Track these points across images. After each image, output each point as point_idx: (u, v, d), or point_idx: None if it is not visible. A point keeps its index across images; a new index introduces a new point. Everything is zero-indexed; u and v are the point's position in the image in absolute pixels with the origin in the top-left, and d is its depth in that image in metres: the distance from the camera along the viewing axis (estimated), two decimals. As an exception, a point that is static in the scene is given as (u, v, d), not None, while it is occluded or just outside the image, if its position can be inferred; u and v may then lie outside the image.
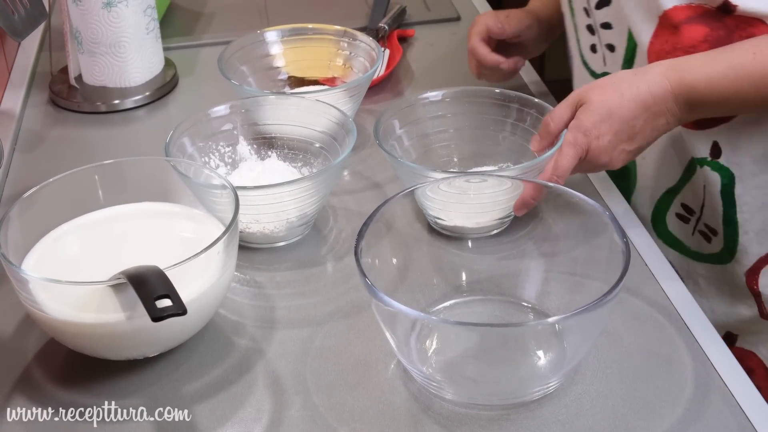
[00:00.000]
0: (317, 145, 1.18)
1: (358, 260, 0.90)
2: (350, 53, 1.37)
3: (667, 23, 1.08)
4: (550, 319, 0.93)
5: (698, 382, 0.92)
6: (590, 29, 1.21)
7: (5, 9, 1.20)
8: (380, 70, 1.45)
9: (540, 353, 0.92)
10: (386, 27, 1.57)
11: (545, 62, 2.77)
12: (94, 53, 1.42)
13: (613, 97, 1.02)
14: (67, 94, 1.46)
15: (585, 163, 1.04)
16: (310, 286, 1.08)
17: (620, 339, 0.97)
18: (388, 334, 0.91)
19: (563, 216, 0.99)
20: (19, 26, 1.23)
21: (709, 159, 1.12)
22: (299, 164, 1.19)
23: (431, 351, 0.94)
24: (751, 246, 1.14)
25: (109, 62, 1.43)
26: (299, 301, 1.05)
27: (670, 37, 1.08)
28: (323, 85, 1.38)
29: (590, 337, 0.90)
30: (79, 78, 1.46)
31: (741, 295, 1.17)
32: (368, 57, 1.34)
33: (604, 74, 1.20)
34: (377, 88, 1.44)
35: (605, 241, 0.93)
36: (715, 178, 1.13)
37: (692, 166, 1.16)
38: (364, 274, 0.88)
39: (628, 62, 1.16)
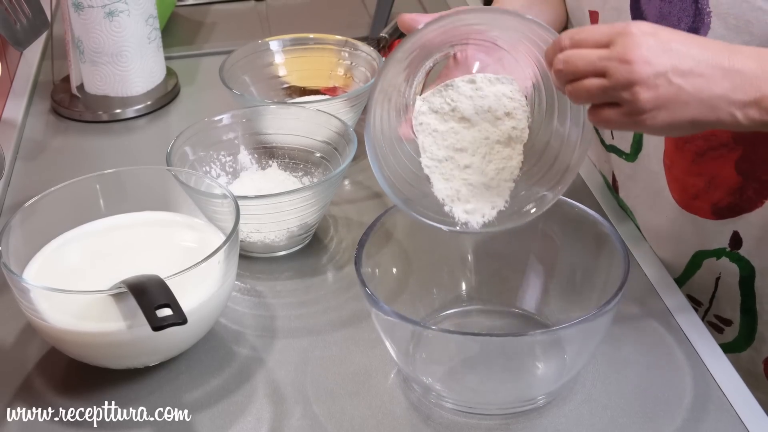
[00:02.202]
0: (318, 155, 1.18)
1: (358, 270, 0.90)
2: (351, 63, 1.38)
3: None
4: (550, 329, 0.93)
5: (697, 392, 0.92)
6: None
7: (7, 18, 1.21)
8: (381, 80, 1.45)
9: (539, 363, 0.92)
10: (387, 37, 1.57)
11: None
12: (96, 62, 1.43)
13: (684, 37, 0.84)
14: (68, 103, 1.46)
15: (610, 63, 0.82)
16: (310, 296, 1.08)
17: (619, 349, 0.97)
18: (388, 344, 0.91)
19: (563, 226, 0.99)
20: (21, 36, 1.24)
21: (728, 250, 1.06)
22: (300, 174, 1.20)
23: (431, 360, 0.94)
24: None
25: (111, 71, 1.43)
26: (299, 311, 1.05)
27: None
28: (324, 94, 1.39)
29: (589, 347, 0.90)
30: (80, 87, 1.47)
31: (757, 383, 1.09)
32: (369, 67, 1.34)
33: (612, 147, 1.16)
34: (378, 97, 1.44)
35: (605, 252, 0.94)
36: (734, 269, 1.07)
37: (697, 259, 1.10)
38: (364, 284, 0.88)
39: (637, 143, 1.10)
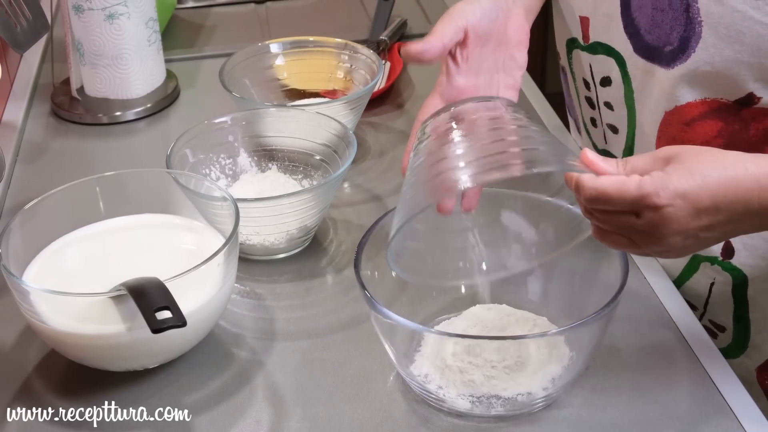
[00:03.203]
0: (318, 158, 1.18)
1: (357, 272, 0.90)
2: (351, 66, 1.38)
3: (676, 119, 1.01)
4: (549, 332, 0.93)
5: (696, 396, 0.92)
6: (590, 102, 1.15)
7: (7, 21, 1.21)
8: (381, 83, 1.46)
9: (538, 366, 0.92)
10: (387, 40, 1.58)
11: (546, 75, 2.77)
12: (96, 65, 1.43)
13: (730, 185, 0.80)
14: (68, 106, 1.46)
15: (639, 237, 0.83)
16: (309, 298, 1.08)
17: (618, 352, 0.97)
18: (387, 346, 0.91)
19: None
20: (22, 38, 1.24)
21: (721, 259, 1.07)
22: (300, 176, 1.20)
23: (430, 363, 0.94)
24: (765, 344, 1.09)
25: (111, 74, 1.43)
26: (299, 313, 1.06)
27: (680, 133, 1.01)
28: (324, 97, 1.39)
29: (588, 350, 0.90)
30: (81, 90, 1.47)
31: (750, 390, 1.06)
32: (369, 70, 1.34)
33: (606, 151, 1.15)
34: (378, 100, 1.44)
35: (604, 255, 0.94)
36: (726, 278, 1.07)
37: (694, 263, 1.10)
38: (363, 286, 0.89)
39: (629, 149, 1.10)
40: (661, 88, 1.01)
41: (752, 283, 1.06)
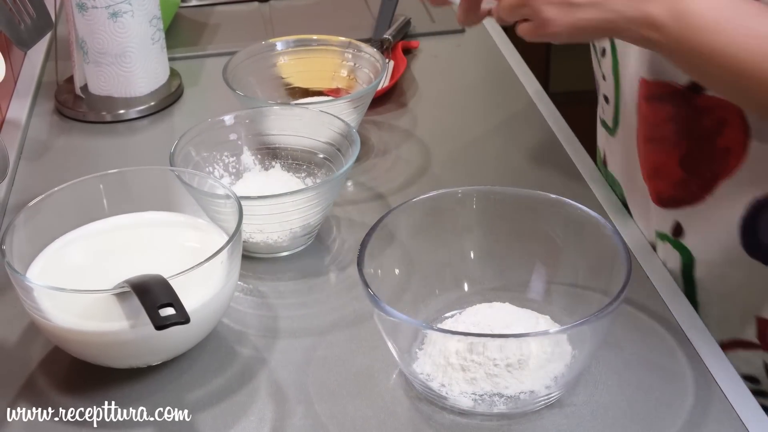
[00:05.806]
0: (321, 156, 1.19)
1: (360, 270, 0.90)
2: (355, 64, 1.38)
3: (643, 92, 1.05)
4: (552, 330, 0.93)
5: (698, 393, 0.92)
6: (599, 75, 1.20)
7: (12, 19, 1.21)
8: (384, 82, 1.46)
9: (541, 364, 0.92)
10: (391, 38, 1.58)
11: (549, 74, 2.77)
12: (99, 63, 1.43)
13: None
14: (72, 104, 1.46)
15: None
16: (312, 296, 1.08)
17: (621, 350, 0.97)
18: (390, 344, 0.92)
19: (565, 227, 0.99)
20: (26, 36, 1.24)
21: (671, 236, 1.09)
22: (303, 175, 1.20)
23: (433, 361, 0.94)
24: (712, 332, 1.07)
25: (115, 72, 1.44)
26: (302, 311, 1.06)
27: (644, 106, 1.04)
28: (327, 96, 1.39)
29: (591, 348, 0.90)
30: (84, 88, 1.47)
31: None
32: (372, 68, 1.34)
33: (604, 121, 1.20)
34: (381, 99, 1.45)
35: (607, 253, 0.94)
36: (676, 256, 1.09)
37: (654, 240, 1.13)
38: (366, 285, 0.89)
39: (615, 120, 1.14)
40: (635, 59, 1.04)
41: (699, 265, 1.08)
